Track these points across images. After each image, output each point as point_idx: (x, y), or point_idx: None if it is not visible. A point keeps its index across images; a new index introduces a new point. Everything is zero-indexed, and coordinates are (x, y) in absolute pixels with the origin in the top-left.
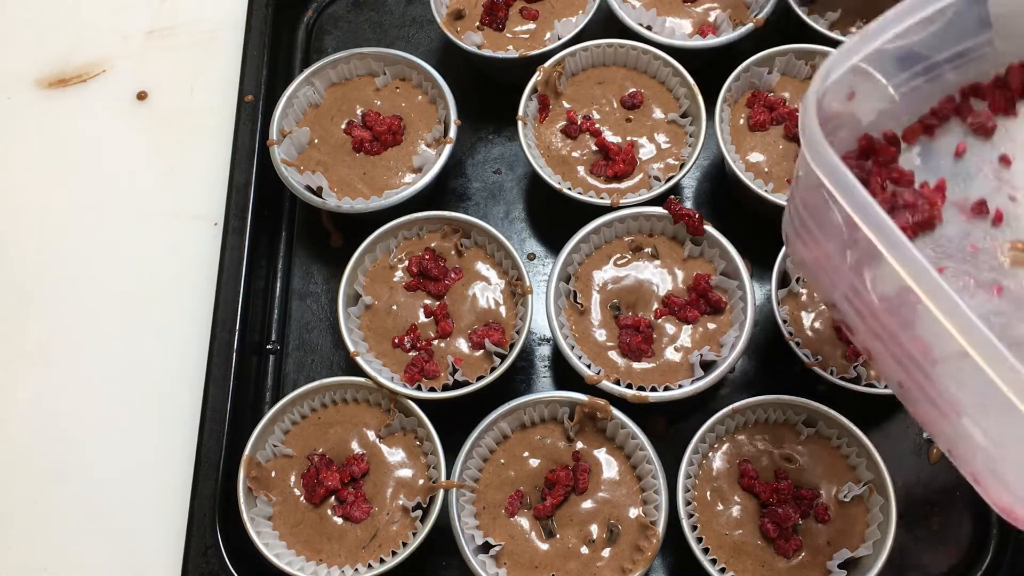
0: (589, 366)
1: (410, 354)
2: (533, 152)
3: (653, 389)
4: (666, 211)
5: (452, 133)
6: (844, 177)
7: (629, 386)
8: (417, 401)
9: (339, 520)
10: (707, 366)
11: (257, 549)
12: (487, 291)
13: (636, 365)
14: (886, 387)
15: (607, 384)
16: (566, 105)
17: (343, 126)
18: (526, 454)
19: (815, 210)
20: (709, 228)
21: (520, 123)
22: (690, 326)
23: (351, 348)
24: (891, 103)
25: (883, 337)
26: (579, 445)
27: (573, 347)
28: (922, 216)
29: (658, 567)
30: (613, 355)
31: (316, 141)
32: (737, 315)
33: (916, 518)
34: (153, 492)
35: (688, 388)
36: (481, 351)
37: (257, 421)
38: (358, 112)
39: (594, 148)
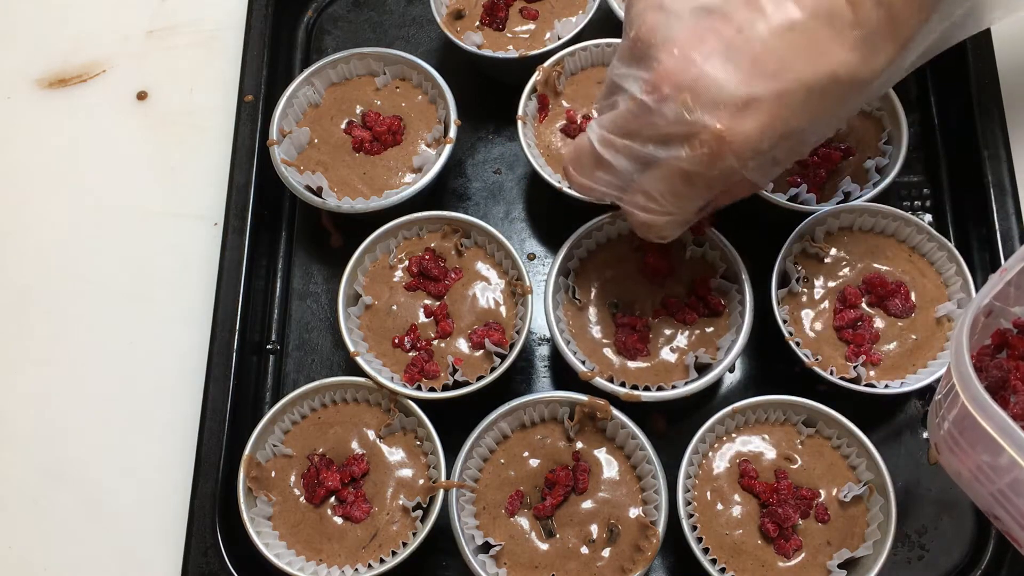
0: (584, 362)
1: (410, 354)
2: (533, 152)
3: (647, 388)
4: None
5: (452, 133)
6: (997, 416)
7: (623, 384)
8: (417, 401)
9: (339, 520)
10: (703, 368)
11: (257, 549)
12: (487, 291)
13: (631, 364)
14: (886, 387)
15: (600, 381)
16: (565, 105)
17: (343, 126)
18: (526, 454)
19: (965, 429)
20: (711, 229)
21: (520, 123)
22: (687, 327)
23: (351, 348)
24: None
25: None
26: (579, 445)
27: (569, 342)
28: None
29: (658, 567)
30: (608, 353)
31: (316, 141)
32: (735, 319)
33: (916, 518)
34: (153, 492)
35: (681, 389)
36: (481, 351)
37: (257, 421)
38: (358, 112)
39: None
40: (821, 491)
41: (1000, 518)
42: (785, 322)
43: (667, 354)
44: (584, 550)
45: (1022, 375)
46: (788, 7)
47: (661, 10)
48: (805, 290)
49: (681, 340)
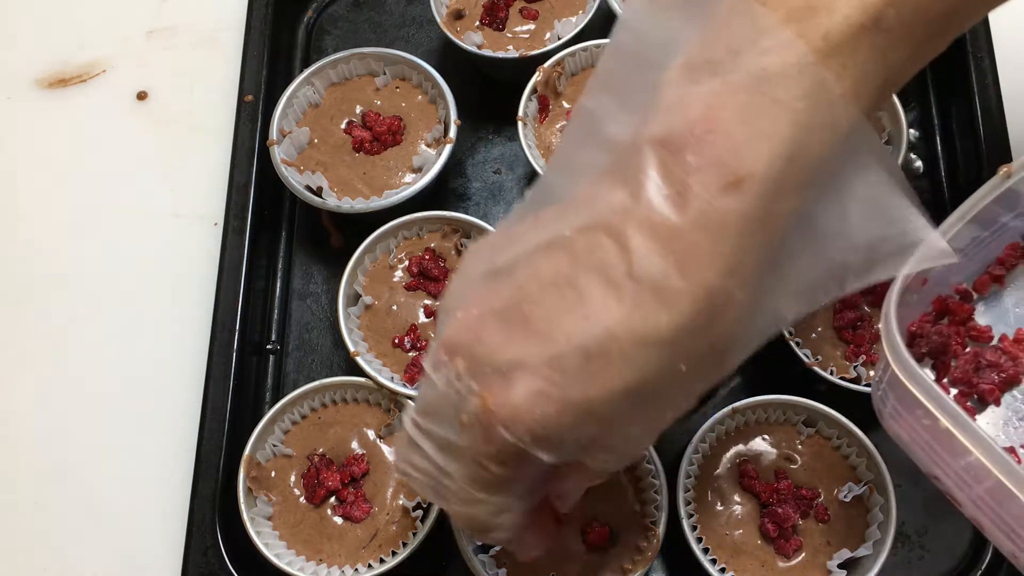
0: None
1: (410, 354)
2: (533, 152)
3: None
4: None
5: (452, 133)
6: (930, 389)
7: None
8: None
9: (339, 520)
10: None
11: (257, 549)
12: None
13: None
14: None
15: None
16: (566, 105)
17: (343, 126)
18: None
19: (903, 398)
20: None
21: (520, 123)
22: None
23: (351, 348)
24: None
25: (987, 511)
26: None
27: None
28: (1008, 373)
29: (658, 567)
30: None
31: (316, 141)
32: None
33: (916, 518)
34: (153, 492)
35: None
36: None
37: (257, 421)
38: (358, 112)
39: None
40: (821, 491)
41: (939, 478)
42: None
43: None
44: (584, 550)
45: (962, 340)
46: (558, 257)
47: (461, 273)
48: None
49: None
